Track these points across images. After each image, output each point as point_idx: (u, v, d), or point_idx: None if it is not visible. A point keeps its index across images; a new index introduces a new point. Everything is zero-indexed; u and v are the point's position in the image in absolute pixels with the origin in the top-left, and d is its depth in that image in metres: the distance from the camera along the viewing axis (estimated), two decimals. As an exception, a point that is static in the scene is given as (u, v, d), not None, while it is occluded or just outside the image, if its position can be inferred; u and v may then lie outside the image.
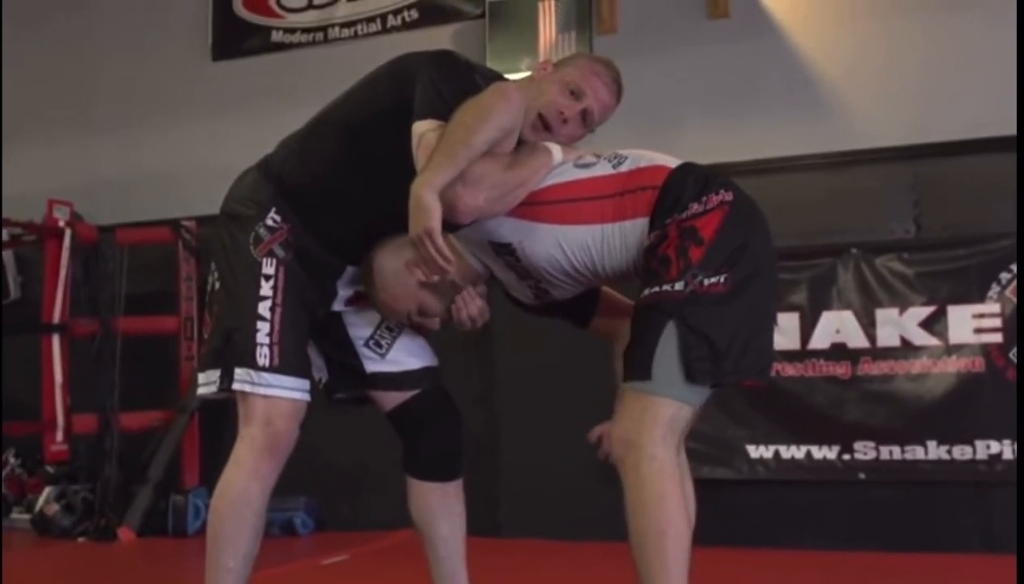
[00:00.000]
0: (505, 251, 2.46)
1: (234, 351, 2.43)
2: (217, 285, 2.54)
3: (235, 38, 5.74)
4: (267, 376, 2.41)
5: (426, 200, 2.21)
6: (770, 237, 2.38)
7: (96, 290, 5.49)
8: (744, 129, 4.72)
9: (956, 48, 4.47)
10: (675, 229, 2.30)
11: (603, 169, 2.44)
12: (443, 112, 2.32)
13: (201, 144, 5.75)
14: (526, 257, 2.44)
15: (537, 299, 2.59)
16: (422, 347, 2.73)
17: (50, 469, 5.50)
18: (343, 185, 2.51)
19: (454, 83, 2.39)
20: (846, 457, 4.43)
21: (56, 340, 5.29)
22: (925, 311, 4.39)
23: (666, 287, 2.26)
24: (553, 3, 5.03)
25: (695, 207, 2.31)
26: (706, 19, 4.81)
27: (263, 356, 2.41)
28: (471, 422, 4.82)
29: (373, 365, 2.69)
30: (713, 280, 2.24)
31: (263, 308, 2.43)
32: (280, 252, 2.46)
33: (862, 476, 4.41)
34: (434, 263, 2.25)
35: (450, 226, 2.37)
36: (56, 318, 5.32)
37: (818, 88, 4.65)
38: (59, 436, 5.22)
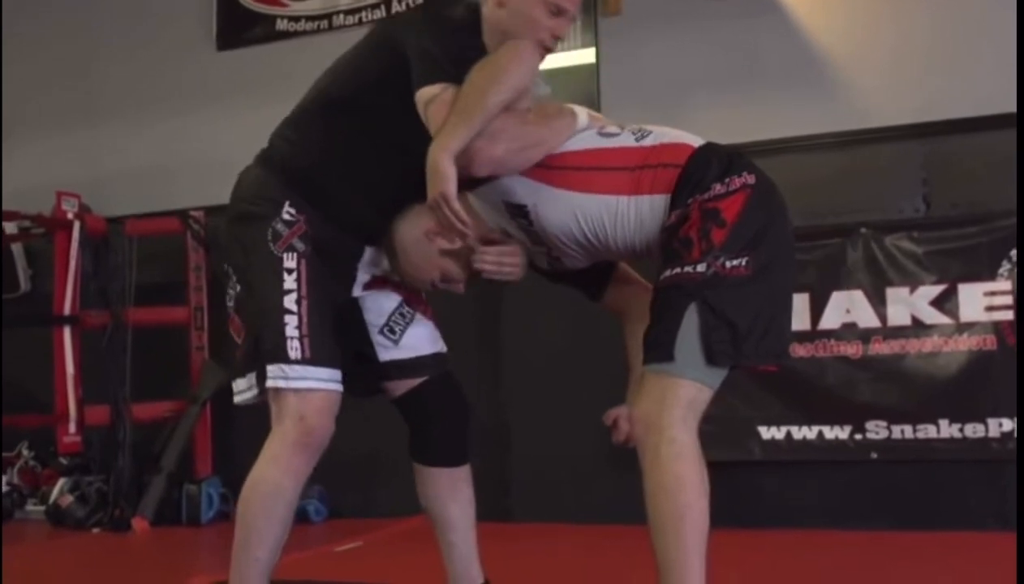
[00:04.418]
0: (519, 214, 2.45)
1: (265, 349, 2.40)
2: (239, 289, 2.51)
3: (240, 27, 5.72)
4: (300, 369, 2.37)
5: (442, 165, 2.22)
6: (789, 221, 2.37)
7: (106, 281, 5.49)
8: (751, 109, 4.70)
9: (965, 24, 4.43)
10: (697, 210, 2.29)
11: (626, 141, 2.44)
12: (442, 74, 2.32)
13: (208, 134, 5.75)
14: (539, 221, 2.44)
15: (550, 266, 2.60)
16: (432, 333, 2.74)
17: (63, 461, 5.52)
18: (349, 162, 2.49)
19: (445, 40, 2.38)
20: (858, 437, 4.41)
21: (67, 332, 5.30)
22: (935, 289, 4.36)
23: (688, 268, 2.25)
24: (557, -14, 5.00)
25: (718, 188, 2.30)
26: (711, -1, 4.79)
27: (294, 349, 2.38)
28: (480, 407, 4.88)
29: (386, 353, 2.69)
30: (735, 263, 2.23)
31: (289, 302, 2.40)
32: (300, 245, 2.44)
33: (874, 455, 4.40)
34: (451, 226, 2.27)
35: (469, 182, 2.39)
36: (67, 310, 5.33)
37: (825, 66, 4.62)
38: (72, 428, 5.24)
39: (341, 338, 2.61)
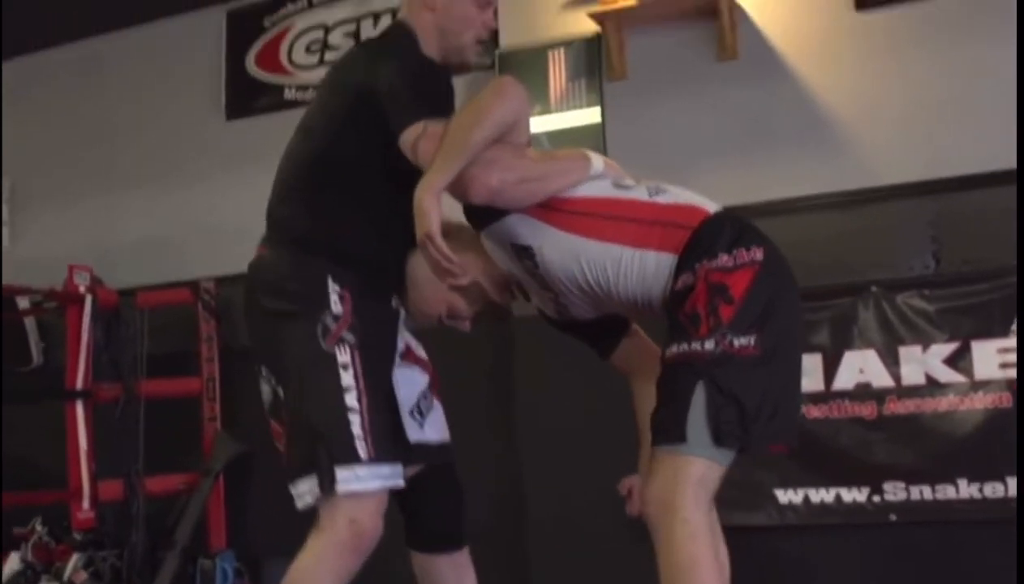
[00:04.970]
0: (526, 255, 2.47)
1: (330, 452, 2.32)
2: (281, 392, 2.43)
3: (248, 96, 5.75)
4: (369, 469, 2.34)
5: (424, 204, 2.24)
6: (798, 297, 2.39)
7: (118, 353, 5.50)
8: (758, 169, 4.68)
9: (971, 79, 4.40)
10: (704, 282, 2.29)
11: (639, 194, 2.46)
12: (417, 112, 2.36)
13: (218, 202, 5.77)
14: (544, 264, 2.45)
15: (559, 314, 2.59)
16: (443, 419, 2.74)
17: (77, 536, 5.49)
18: (356, 213, 2.50)
19: (405, 75, 2.42)
20: (876, 498, 4.36)
21: (80, 406, 5.28)
22: (949, 347, 4.31)
23: (695, 345, 2.25)
24: (562, 52, 5.03)
25: (725, 259, 2.30)
26: (715, 61, 4.78)
27: (363, 449, 2.33)
28: (497, 480, 4.85)
29: (414, 434, 2.67)
30: (743, 341, 2.23)
31: (350, 400, 2.35)
32: (349, 337, 2.40)
33: (893, 517, 4.33)
34: (438, 265, 2.27)
35: (477, 221, 2.44)
36: (79, 384, 5.32)
37: (831, 125, 4.60)
38: (86, 504, 5.21)
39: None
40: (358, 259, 2.47)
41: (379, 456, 2.35)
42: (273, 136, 5.62)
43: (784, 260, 2.40)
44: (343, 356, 2.37)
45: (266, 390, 2.49)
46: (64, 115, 6.26)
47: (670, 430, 2.25)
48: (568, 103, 5.00)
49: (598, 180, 2.49)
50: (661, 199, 2.43)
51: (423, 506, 2.71)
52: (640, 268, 2.38)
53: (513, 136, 2.41)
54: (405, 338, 2.71)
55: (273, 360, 2.45)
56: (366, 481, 2.33)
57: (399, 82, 2.41)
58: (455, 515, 2.76)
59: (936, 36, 4.48)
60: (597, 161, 2.51)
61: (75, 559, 5.29)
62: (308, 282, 2.42)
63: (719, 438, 2.21)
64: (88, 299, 5.36)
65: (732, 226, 2.37)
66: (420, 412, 2.70)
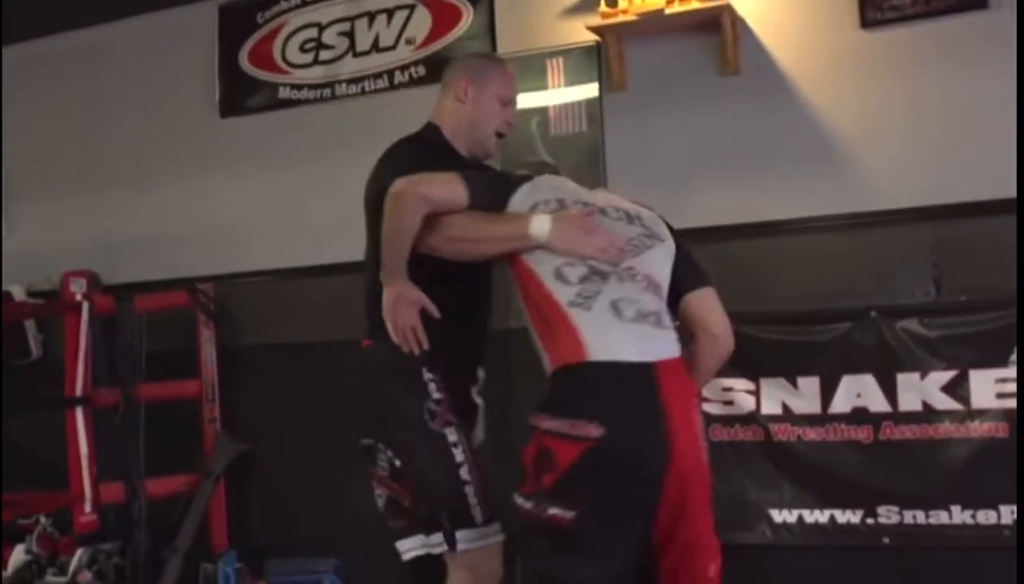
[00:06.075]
0: None
1: (452, 519, 2.76)
2: (398, 463, 2.87)
3: (242, 94, 5.65)
4: (481, 530, 2.77)
5: (384, 297, 2.69)
6: (643, 478, 2.44)
7: (116, 357, 5.49)
8: (758, 188, 4.62)
9: (977, 105, 4.33)
10: (537, 440, 2.48)
11: (563, 295, 2.61)
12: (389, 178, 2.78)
13: (211, 201, 5.71)
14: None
15: None
16: None
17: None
18: (442, 300, 2.74)
19: (407, 151, 2.97)
20: (870, 521, 4.40)
21: (80, 413, 5.30)
22: (947, 375, 4.31)
23: (520, 500, 2.54)
24: (561, 60, 4.94)
25: (560, 424, 2.42)
26: (717, 76, 4.69)
27: (479, 515, 2.78)
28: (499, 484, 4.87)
29: None
30: (557, 512, 2.40)
31: (464, 473, 2.77)
32: (453, 418, 2.83)
33: (886, 541, 4.39)
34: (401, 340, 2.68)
35: None
36: (79, 390, 5.32)
37: (832, 145, 4.54)
38: (88, 507, 5.26)
39: None
40: (444, 346, 2.78)
41: (488, 519, 2.79)
42: (266, 135, 5.63)
43: (633, 441, 2.43)
44: (452, 436, 2.79)
45: (383, 459, 2.91)
46: (55, 106, 6.16)
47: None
48: (566, 113, 4.93)
49: (548, 256, 2.64)
50: (572, 313, 2.54)
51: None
52: (535, 343, 2.66)
53: (452, 208, 2.71)
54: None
55: (389, 438, 2.88)
56: (479, 540, 2.76)
57: (393, 166, 2.87)
58: None
59: (942, 58, 4.40)
60: (540, 228, 2.64)
61: (79, 554, 5.37)
62: (406, 371, 2.78)
63: None
64: (85, 306, 5.33)
65: (587, 388, 2.47)
66: None
